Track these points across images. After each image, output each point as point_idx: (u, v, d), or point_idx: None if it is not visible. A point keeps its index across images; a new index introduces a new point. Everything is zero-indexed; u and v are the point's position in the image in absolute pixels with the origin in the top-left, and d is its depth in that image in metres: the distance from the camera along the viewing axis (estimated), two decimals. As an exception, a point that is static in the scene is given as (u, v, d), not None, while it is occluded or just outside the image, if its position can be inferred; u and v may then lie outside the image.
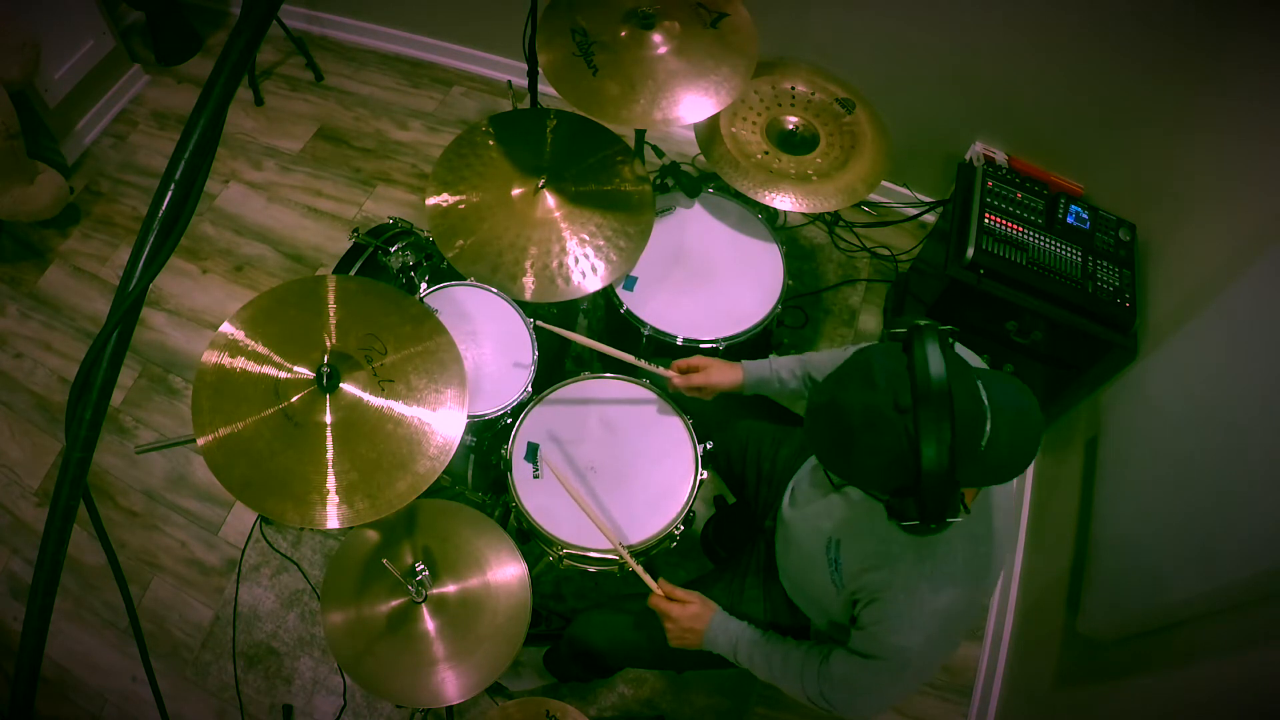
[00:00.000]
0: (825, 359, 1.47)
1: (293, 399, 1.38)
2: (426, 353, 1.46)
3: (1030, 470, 2.28)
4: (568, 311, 2.20)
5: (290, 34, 3.06)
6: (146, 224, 0.67)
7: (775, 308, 1.86)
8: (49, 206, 2.52)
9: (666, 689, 2.05)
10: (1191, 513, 1.47)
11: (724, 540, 2.11)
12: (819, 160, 1.92)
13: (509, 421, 1.69)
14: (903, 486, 0.95)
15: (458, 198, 1.81)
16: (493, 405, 1.69)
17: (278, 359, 1.41)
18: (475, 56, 3.12)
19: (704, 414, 1.67)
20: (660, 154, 2.10)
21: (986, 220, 1.99)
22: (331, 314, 1.47)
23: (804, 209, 1.84)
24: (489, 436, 1.77)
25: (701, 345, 1.80)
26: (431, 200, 1.81)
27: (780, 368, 1.52)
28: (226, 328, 1.42)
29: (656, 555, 1.63)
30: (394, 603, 1.49)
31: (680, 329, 1.81)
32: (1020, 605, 2.10)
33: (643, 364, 1.60)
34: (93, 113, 2.94)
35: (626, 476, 1.63)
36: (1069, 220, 2.01)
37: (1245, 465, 1.37)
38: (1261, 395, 1.39)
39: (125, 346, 0.70)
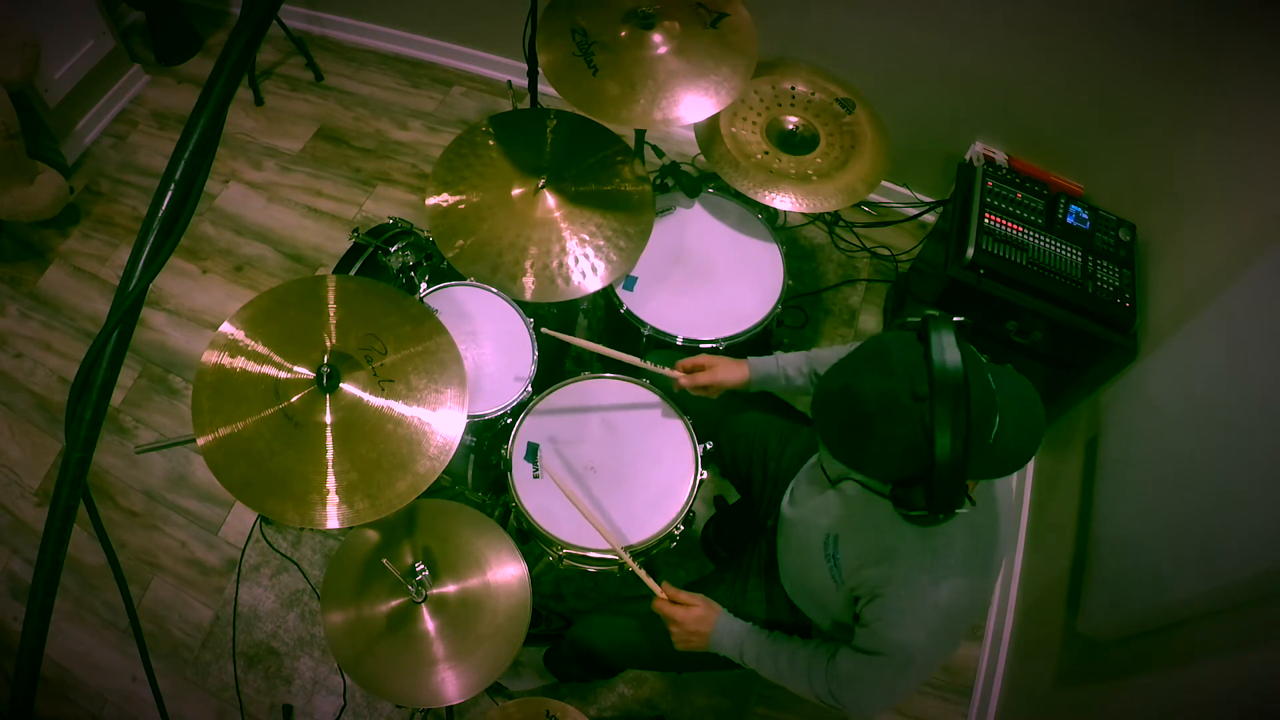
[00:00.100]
0: (831, 356, 1.46)
1: (293, 399, 1.38)
2: (426, 353, 1.46)
3: (1030, 469, 2.28)
4: (568, 312, 2.20)
5: (290, 34, 3.06)
6: (146, 224, 0.67)
7: (775, 308, 1.86)
8: (49, 206, 2.52)
9: (666, 689, 2.05)
10: (1191, 513, 1.46)
11: (724, 540, 2.11)
12: (819, 160, 1.92)
13: (509, 421, 1.69)
14: (912, 475, 0.95)
15: (458, 198, 1.81)
16: (492, 405, 1.69)
17: (278, 359, 1.41)
18: (475, 56, 3.12)
19: (705, 414, 1.67)
20: (660, 154, 2.10)
21: (986, 220, 1.99)
22: (331, 314, 1.47)
23: (804, 209, 1.84)
24: (489, 436, 1.77)
25: (701, 345, 1.80)
26: (431, 200, 1.81)
27: (786, 364, 1.51)
28: (226, 328, 1.42)
29: (656, 555, 1.63)
30: (394, 603, 1.49)
31: (680, 329, 1.81)
32: (1020, 605, 2.10)
33: (648, 366, 1.60)
34: (93, 113, 2.94)
35: (626, 476, 1.63)
36: (1069, 220, 2.01)
37: (1245, 465, 1.37)
38: (1261, 395, 1.39)
39: (125, 346, 0.70)
